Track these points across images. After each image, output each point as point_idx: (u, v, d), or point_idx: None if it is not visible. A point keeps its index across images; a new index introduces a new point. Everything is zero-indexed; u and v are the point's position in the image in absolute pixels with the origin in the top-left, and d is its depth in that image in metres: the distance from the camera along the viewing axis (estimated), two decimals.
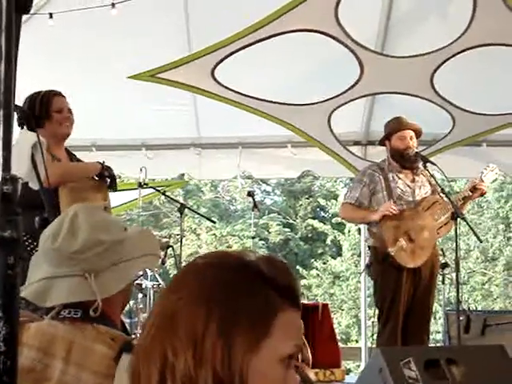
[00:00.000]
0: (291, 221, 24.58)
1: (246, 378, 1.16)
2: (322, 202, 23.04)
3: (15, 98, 1.27)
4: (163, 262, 6.56)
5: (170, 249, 6.63)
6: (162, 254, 6.41)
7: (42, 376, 1.81)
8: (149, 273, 6.36)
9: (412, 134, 5.60)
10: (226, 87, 6.63)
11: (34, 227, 2.47)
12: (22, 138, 3.07)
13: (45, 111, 4.21)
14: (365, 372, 4.08)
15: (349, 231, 20.69)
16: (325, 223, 22.82)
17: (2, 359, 1.19)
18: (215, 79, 6.51)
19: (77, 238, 1.92)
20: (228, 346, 1.15)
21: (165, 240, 6.66)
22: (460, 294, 5.29)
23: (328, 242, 22.79)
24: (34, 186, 2.91)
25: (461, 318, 5.98)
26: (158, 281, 6.37)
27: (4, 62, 1.24)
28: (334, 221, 22.26)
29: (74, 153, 4.55)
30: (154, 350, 1.18)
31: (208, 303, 1.17)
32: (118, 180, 4.53)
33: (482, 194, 5.74)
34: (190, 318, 1.17)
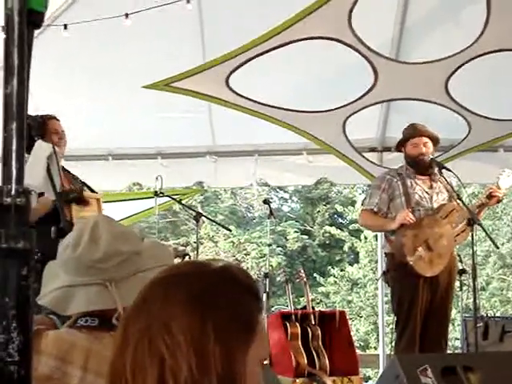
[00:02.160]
0: (309, 228, 24.55)
1: (245, 379, 1.20)
2: (340, 208, 22.98)
3: (27, 111, 1.29)
4: None
5: (187, 257, 6.62)
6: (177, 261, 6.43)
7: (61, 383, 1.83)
8: None
9: (426, 140, 5.58)
10: (241, 95, 6.64)
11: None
12: (38, 148, 3.10)
13: (43, 133, 4.41)
14: (381, 379, 4.07)
15: (366, 238, 20.62)
16: (342, 230, 22.77)
17: (17, 369, 1.20)
18: (230, 87, 6.53)
19: (98, 247, 1.94)
20: (227, 350, 1.19)
21: (181, 248, 6.70)
22: (478, 301, 5.27)
23: (345, 248, 22.73)
24: (50, 196, 2.95)
25: (479, 325, 5.96)
26: None
27: (16, 77, 1.27)
28: (351, 227, 22.20)
29: (71, 171, 4.89)
30: (145, 362, 1.19)
31: (201, 311, 1.20)
32: (135, 188, 4.69)
33: (499, 201, 5.70)
34: (186, 325, 1.19)
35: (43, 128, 4.48)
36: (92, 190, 4.82)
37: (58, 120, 4.75)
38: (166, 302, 1.22)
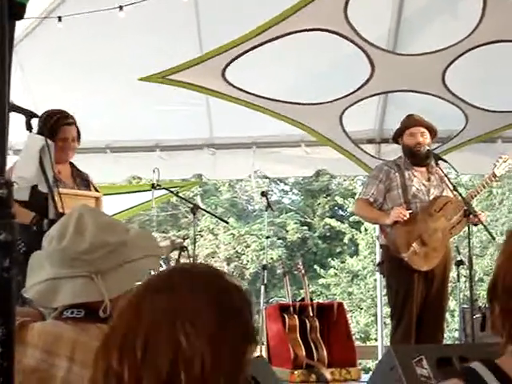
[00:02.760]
0: (309, 220, 24.54)
1: (244, 380, 1.28)
2: (340, 200, 22.95)
3: (8, 103, 1.29)
4: (177, 263, 6.56)
5: (185, 249, 6.60)
6: (176, 254, 6.43)
7: (47, 375, 1.83)
8: None
9: (423, 130, 5.56)
10: (237, 88, 6.64)
11: None
12: (31, 141, 3.10)
13: (52, 135, 4.36)
14: (377, 370, 4.08)
15: (366, 230, 20.60)
16: (343, 222, 22.75)
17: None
18: (226, 80, 6.53)
19: (84, 238, 1.94)
20: (238, 353, 1.28)
21: (179, 241, 6.66)
22: (477, 292, 5.27)
23: (346, 240, 22.72)
24: (43, 188, 2.95)
25: (477, 316, 5.95)
26: None
27: None
28: (351, 219, 22.18)
29: (78, 168, 4.92)
30: (161, 343, 1.22)
31: (221, 313, 1.27)
32: (134, 181, 4.71)
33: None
34: (207, 322, 1.24)
35: (52, 133, 4.44)
36: (96, 189, 4.86)
37: (70, 125, 4.69)
38: (193, 292, 1.27)
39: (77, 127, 4.74)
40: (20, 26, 6.38)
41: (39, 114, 3.33)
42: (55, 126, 4.57)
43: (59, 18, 6.08)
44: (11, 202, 1.25)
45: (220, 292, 1.30)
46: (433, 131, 5.65)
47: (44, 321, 1.99)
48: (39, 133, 4.35)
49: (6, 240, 1.22)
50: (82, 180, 4.84)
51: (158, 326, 1.23)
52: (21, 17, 1.32)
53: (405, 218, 5.37)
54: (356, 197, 6.21)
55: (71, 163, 4.86)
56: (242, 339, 1.29)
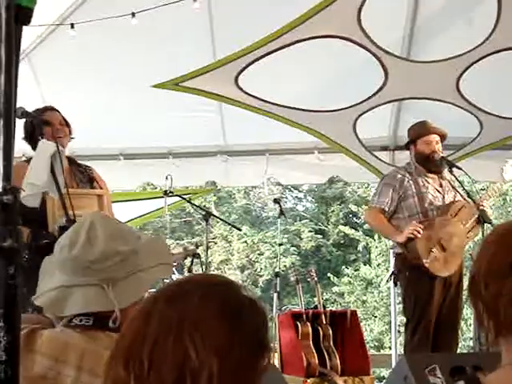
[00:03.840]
0: (323, 227, 24.50)
1: None
2: (354, 208, 22.91)
3: (15, 110, 1.28)
4: (190, 270, 6.55)
5: (198, 256, 6.59)
6: (189, 261, 6.42)
7: (55, 383, 1.82)
8: None
9: (437, 138, 5.55)
10: (250, 94, 6.63)
11: None
12: (42, 147, 3.10)
13: (37, 128, 4.15)
14: (390, 379, 4.04)
15: (379, 237, 20.55)
16: (357, 229, 22.70)
17: (3, 368, 1.20)
18: (239, 86, 6.53)
19: (95, 247, 1.93)
20: (247, 364, 1.26)
21: (191, 248, 6.65)
22: None
23: (360, 248, 22.67)
24: (54, 194, 2.94)
25: None
26: None
27: (4, 73, 1.25)
28: (365, 227, 22.13)
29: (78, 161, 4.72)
30: (168, 353, 1.21)
31: (231, 323, 1.26)
32: (148, 188, 4.55)
33: None
34: (215, 331, 1.23)
35: (36, 124, 4.14)
36: (100, 187, 4.59)
37: (55, 110, 4.51)
38: (203, 303, 1.26)
39: (62, 116, 4.53)
40: (33, 34, 6.41)
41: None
42: (35, 116, 4.21)
43: (72, 25, 6.09)
44: (17, 209, 1.24)
45: (232, 304, 1.29)
46: (444, 137, 5.64)
47: (53, 328, 1.98)
48: (26, 137, 4.24)
49: (11, 247, 1.21)
50: (82, 176, 4.56)
51: (165, 336, 1.22)
52: (28, 22, 1.31)
53: (418, 236, 5.32)
54: (369, 204, 6.15)
55: (69, 158, 4.58)
56: (252, 353, 1.27)
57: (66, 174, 4.23)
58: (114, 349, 1.30)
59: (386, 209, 5.53)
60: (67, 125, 4.48)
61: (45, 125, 4.23)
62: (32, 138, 4.18)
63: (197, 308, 1.25)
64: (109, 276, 1.92)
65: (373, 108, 6.87)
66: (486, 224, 5.25)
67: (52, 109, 4.46)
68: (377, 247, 20.87)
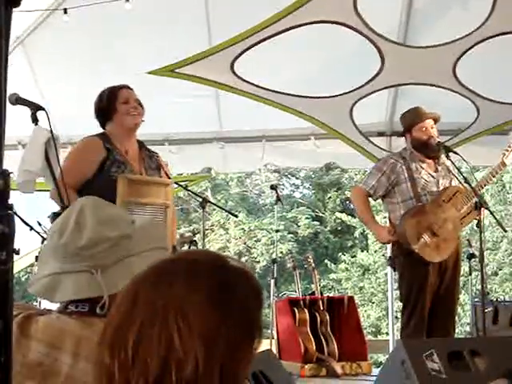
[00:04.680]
0: (320, 214, 24.53)
1: (242, 380, 1.23)
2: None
3: (6, 94, 1.26)
4: None
5: (194, 244, 6.58)
6: (186, 248, 6.41)
7: (51, 370, 1.81)
8: None
9: (432, 122, 5.55)
10: (246, 81, 6.62)
11: None
12: (36, 134, 3.08)
13: (111, 104, 4.30)
14: (387, 364, 4.03)
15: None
16: (353, 216, 22.73)
17: None
18: (235, 73, 6.51)
19: (83, 233, 1.91)
20: (235, 351, 1.21)
21: (188, 235, 6.66)
22: (488, 286, 5.24)
23: (356, 234, 22.71)
24: (48, 182, 2.93)
25: (489, 309, 5.92)
26: None
27: None
28: None
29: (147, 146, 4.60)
30: (152, 340, 1.18)
31: (219, 308, 1.20)
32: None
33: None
34: (202, 316, 1.18)
35: (111, 100, 4.31)
36: (167, 175, 4.52)
37: (130, 89, 4.45)
38: (187, 287, 1.21)
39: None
40: (27, 20, 6.38)
41: (46, 108, 3.29)
42: (112, 91, 4.35)
43: (65, 11, 6.06)
44: (8, 194, 1.22)
45: (220, 284, 1.23)
46: (437, 120, 5.63)
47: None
48: (101, 114, 4.31)
49: (3, 232, 1.20)
50: (151, 162, 4.44)
51: (151, 322, 1.19)
52: (18, 4, 1.28)
53: (391, 240, 5.48)
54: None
55: (139, 142, 4.48)
56: (242, 335, 1.23)
57: (136, 160, 4.32)
58: (101, 335, 1.27)
59: (372, 192, 5.55)
60: (141, 105, 4.44)
61: (122, 103, 4.31)
62: (105, 114, 4.25)
63: (182, 292, 1.20)
64: (98, 262, 1.90)
65: (369, 94, 6.86)
66: (483, 209, 5.23)
67: (128, 87, 4.44)
68: (373, 233, 20.90)
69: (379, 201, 5.85)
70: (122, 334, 1.20)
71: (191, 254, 1.35)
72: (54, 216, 2.87)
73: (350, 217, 22.63)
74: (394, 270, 5.71)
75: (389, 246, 7.42)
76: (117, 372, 1.18)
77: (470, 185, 5.33)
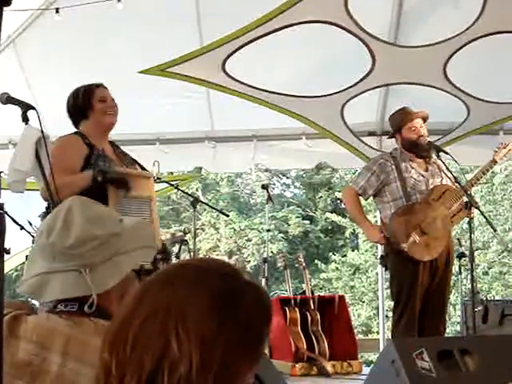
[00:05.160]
0: (311, 213, 24.55)
1: None
2: (341, 194, 22.96)
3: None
4: (177, 257, 6.54)
5: (186, 243, 6.58)
6: (177, 248, 6.41)
7: (40, 369, 1.80)
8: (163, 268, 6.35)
9: (421, 121, 5.55)
10: (237, 80, 6.62)
11: None
12: (26, 133, 3.07)
13: (88, 101, 4.25)
14: (377, 363, 4.04)
15: None
16: (344, 216, 22.77)
17: None
18: (226, 72, 6.51)
19: (70, 232, 1.90)
20: (231, 362, 1.19)
21: (179, 234, 6.64)
22: (479, 285, 5.26)
23: (348, 234, 22.74)
24: (39, 181, 2.93)
25: (479, 308, 5.94)
26: None
27: None
28: None
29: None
30: (151, 339, 1.18)
31: (220, 316, 1.20)
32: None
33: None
34: (201, 323, 1.18)
35: (88, 98, 4.25)
36: (142, 168, 4.52)
37: (105, 88, 4.40)
38: (192, 291, 1.21)
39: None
40: (19, 19, 6.36)
41: (37, 107, 3.28)
42: (88, 89, 4.29)
43: (56, 10, 6.05)
44: None
45: (226, 292, 1.23)
46: (426, 119, 5.64)
47: (35, 314, 1.97)
48: (75, 112, 4.25)
49: None
50: (126, 158, 4.46)
51: (151, 322, 1.19)
52: (9, 3, 1.28)
53: (382, 242, 5.55)
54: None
55: (112, 142, 4.49)
56: (242, 348, 1.22)
57: (114, 157, 4.30)
58: (105, 332, 1.27)
59: (361, 191, 5.57)
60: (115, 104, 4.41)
61: (99, 101, 4.26)
62: (81, 112, 4.20)
63: (186, 295, 1.21)
64: (86, 261, 1.90)
65: (360, 93, 6.87)
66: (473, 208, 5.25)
67: (103, 86, 4.39)
68: (364, 233, 20.94)
69: (369, 200, 5.87)
70: (124, 330, 1.21)
71: (204, 262, 1.35)
72: (45, 215, 2.86)
73: (340, 217, 22.66)
74: (386, 269, 5.71)
75: (380, 246, 7.45)
76: (114, 367, 1.18)
77: (459, 184, 5.34)
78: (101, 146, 4.22)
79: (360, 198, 5.65)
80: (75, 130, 4.31)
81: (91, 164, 4.05)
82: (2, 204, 1.23)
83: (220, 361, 1.17)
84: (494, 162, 5.58)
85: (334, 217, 22.82)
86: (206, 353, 1.16)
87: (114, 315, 1.30)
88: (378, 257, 6.67)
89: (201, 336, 1.17)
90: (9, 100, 3.19)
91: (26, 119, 3.10)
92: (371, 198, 5.68)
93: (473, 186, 5.54)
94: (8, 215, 3.54)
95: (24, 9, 5.88)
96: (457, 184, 5.41)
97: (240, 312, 1.23)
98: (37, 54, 6.80)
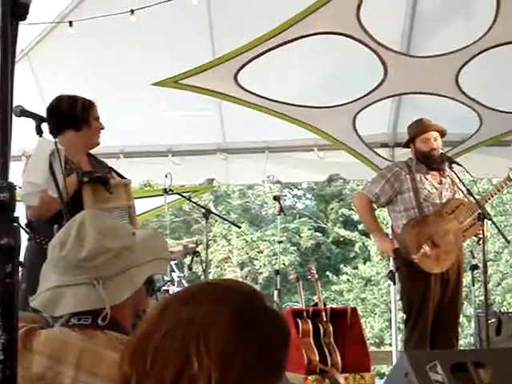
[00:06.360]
0: (322, 225, 24.51)
1: None
2: (353, 206, 22.91)
3: (12, 105, 1.26)
4: (190, 268, 6.55)
5: (198, 254, 6.58)
6: (189, 259, 6.41)
7: (53, 383, 1.81)
8: (175, 278, 6.36)
9: (436, 134, 5.53)
10: (250, 91, 6.63)
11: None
12: (40, 146, 3.08)
13: (86, 116, 4.19)
14: (391, 376, 4.02)
15: None
16: (356, 227, 22.71)
17: (1, 368, 1.18)
18: (238, 84, 6.52)
19: (84, 245, 1.90)
20: (249, 381, 1.20)
21: (191, 246, 6.65)
22: (492, 297, 5.23)
23: (359, 245, 22.67)
24: (53, 193, 2.93)
25: (492, 320, 5.90)
26: (185, 287, 6.36)
27: (0, 70, 1.24)
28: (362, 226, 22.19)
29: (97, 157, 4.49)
30: (171, 353, 1.19)
31: (240, 335, 1.21)
32: (146, 186, 4.42)
33: None
34: (222, 340, 1.19)
35: (87, 112, 4.19)
36: (121, 176, 4.41)
37: (94, 104, 4.31)
38: (214, 308, 1.22)
39: None
40: (32, 32, 6.40)
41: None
42: (88, 104, 4.21)
43: (70, 23, 6.08)
44: (14, 206, 1.22)
45: (247, 314, 1.24)
46: (443, 133, 5.62)
47: (48, 327, 1.97)
48: (66, 119, 4.13)
49: (8, 245, 1.20)
50: (101, 167, 4.36)
51: (172, 336, 1.20)
52: (24, 18, 1.29)
53: (390, 255, 5.52)
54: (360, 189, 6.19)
55: (89, 153, 4.38)
56: (261, 369, 1.23)
57: (89, 167, 4.21)
58: (126, 345, 1.29)
59: (374, 199, 5.55)
60: None
61: (94, 119, 4.21)
62: (73, 122, 4.12)
63: (208, 312, 1.22)
64: (99, 274, 1.90)
65: (372, 104, 6.85)
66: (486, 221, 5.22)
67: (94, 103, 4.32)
68: (374, 245, 20.90)
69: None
70: (145, 344, 1.22)
71: (227, 281, 1.37)
72: (58, 228, 2.86)
73: (348, 231, 22.66)
74: (394, 284, 5.69)
75: (391, 257, 7.41)
76: (134, 381, 1.19)
77: (473, 197, 5.32)
78: (77, 159, 4.14)
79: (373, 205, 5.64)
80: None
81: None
82: (17, 217, 1.23)
83: (238, 378, 1.17)
84: (510, 179, 5.51)
85: (343, 231, 22.82)
86: (225, 370, 1.17)
87: (136, 328, 1.30)
88: (389, 270, 6.66)
89: (220, 353, 1.17)
90: (23, 113, 3.20)
91: (39, 132, 3.11)
92: (382, 206, 5.67)
93: (486, 202, 5.50)
94: (22, 228, 3.56)
95: (38, 22, 5.91)
96: (469, 196, 5.39)
97: (259, 333, 1.24)
98: (50, 67, 6.83)
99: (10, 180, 1.23)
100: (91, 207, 3.76)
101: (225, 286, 1.31)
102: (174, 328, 1.21)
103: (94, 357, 1.81)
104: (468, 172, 5.57)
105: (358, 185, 23.12)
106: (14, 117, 1.31)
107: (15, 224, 1.22)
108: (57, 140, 3.17)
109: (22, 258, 1.69)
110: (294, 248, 22.61)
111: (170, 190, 6.38)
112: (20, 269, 1.26)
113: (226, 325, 1.20)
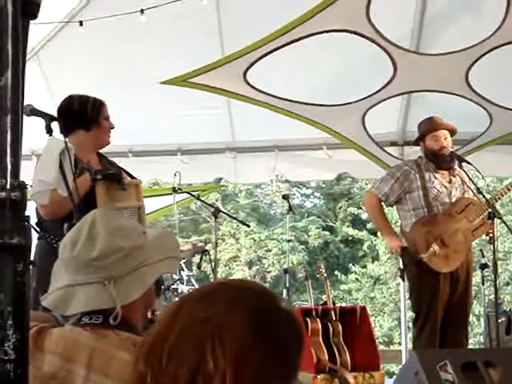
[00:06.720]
0: (331, 223, 24.51)
1: None
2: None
3: (23, 105, 1.26)
4: (199, 267, 6.55)
5: (207, 253, 6.58)
6: (198, 258, 6.42)
7: (65, 382, 1.81)
8: (184, 277, 6.36)
9: (446, 133, 5.52)
10: (259, 90, 6.62)
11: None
12: (50, 145, 3.09)
13: (96, 116, 4.20)
14: (401, 375, 4.02)
15: None
16: (364, 225, 22.69)
17: (13, 367, 1.18)
18: (247, 82, 6.52)
19: (95, 245, 1.91)
20: (263, 380, 1.21)
21: (200, 244, 6.65)
22: (502, 296, 5.22)
23: (368, 244, 22.64)
24: (63, 192, 2.94)
25: (502, 319, 5.88)
26: (193, 285, 6.37)
27: (11, 69, 1.24)
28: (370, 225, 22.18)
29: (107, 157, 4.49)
30: (186, 352, 1.19)
31: (255, 335, 1.21)
32: (154, 185, 4.41)
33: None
34: (237, 340, 1.19)
35: (98, 112, 4.21)
36: (131, 177, 4.39)
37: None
38: (229, 308, 1.23)
39: None
40: (42, 32, 6.41)
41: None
42: (98, 104, 4.23)
43: (80, 23, 6.10)
44: (25, 205, 1.22)
45: (262, 314, 1.25)
46: (453, 132, 5.61)
47: (59, 326, 1.97)
48: (76, 119, 4.14)
49: (19, 244, 1.20)
50: (113, 166, 4.35)
51: (187, 335, 1.20)
52: (35, 16, 1.29)
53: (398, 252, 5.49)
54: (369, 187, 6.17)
55: (99, 153, 4.40)
56: (276, 368, 1.23)
57: (99, 167, 4.19)
58: (140, 344, 1.29)
59: (383, 198, 5.54)
60: None
61: (104, 119, 4.23)
62: (84, 122, 4.12)
63: (223, 311, 1.22)
64: (111, 273, 1.90)
65: (381, 101, 6.84)
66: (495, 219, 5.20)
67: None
68: (382, 244, 20.89)
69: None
70: (160, 343, 1.22)
71: (242, 281, 1.38)
72: (69, 227, 2.85)
73: (356, 230, 22.63)
74: (404, 281, 5.69)
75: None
76: (149, 379, 1.20)
77: (483, 196, 5.30)
78: (87, 159, 4.13)
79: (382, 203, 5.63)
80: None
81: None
82: (29, 216, 1.23)
83: (252, 377, 1.18)
84: None
85: (351, 230, 22.79)
86: (240, 369, 1.17)
87: (150, 328, 1.30)
88: (397, 268, 6.64)
89: (236, 352, 1.18)
90: (33, 112, 3.21)
91: (49, 131, 3.11)
92: (391, 204, 5.66)
93: (496, 201, 5.49)
94: (33, 227, 3.57)
95: (48, 21, 5.93)
96: (479, 195, 5.37)
97: (273, 332, 1.24)
98: (60, 66, 6.84)
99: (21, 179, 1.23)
100: (104, 204, 3.76)
101: (238, 286, 1.31)
102: (188, 327, 1.21)
103: (105, 356, 1.81)
104: (478, 171, 5.56)
105: (366, 183, 23.10)
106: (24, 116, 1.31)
107: (26, 223, 1.22)
108: (67, 139, 3.17)
109: (32, 257, 1.69)
110: (303, 247, 22.62)
111: (179, 188, 6.38)
112: (31, 268, 1.25)
113: (241, 324, 1.21)
